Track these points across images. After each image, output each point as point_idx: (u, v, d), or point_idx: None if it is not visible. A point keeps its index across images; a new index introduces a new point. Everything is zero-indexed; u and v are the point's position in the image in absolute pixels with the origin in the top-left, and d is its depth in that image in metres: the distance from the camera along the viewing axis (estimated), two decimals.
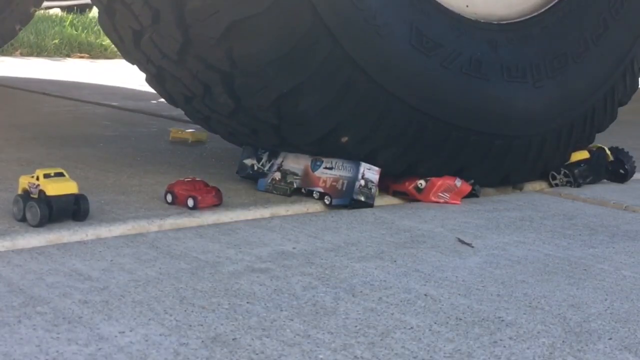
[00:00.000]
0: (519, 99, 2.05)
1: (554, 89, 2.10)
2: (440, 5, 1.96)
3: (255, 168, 2.04)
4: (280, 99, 1.85)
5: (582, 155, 2.28)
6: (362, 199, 1.87)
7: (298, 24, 1.78)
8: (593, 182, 2.29)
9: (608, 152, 2.34)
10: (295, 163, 1.97)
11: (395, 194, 2.01)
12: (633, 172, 2.37)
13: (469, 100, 1.98)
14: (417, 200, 1.99)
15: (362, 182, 1.87)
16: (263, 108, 1.88)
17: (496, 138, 2.05)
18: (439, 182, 1.99)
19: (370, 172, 1.88)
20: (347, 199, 1.87)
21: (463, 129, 1.98)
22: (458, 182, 2.00)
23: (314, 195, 1.91)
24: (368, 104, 1.87)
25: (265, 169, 2.02)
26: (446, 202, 1.98)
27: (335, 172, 1.89)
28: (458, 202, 2.00)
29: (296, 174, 1.94)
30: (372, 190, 1.88)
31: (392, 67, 1.87)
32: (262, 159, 2.04)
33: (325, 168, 1.91)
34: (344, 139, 1.90)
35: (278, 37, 1.79)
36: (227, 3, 1.78)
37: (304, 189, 1.93)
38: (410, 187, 1.99)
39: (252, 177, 2.04)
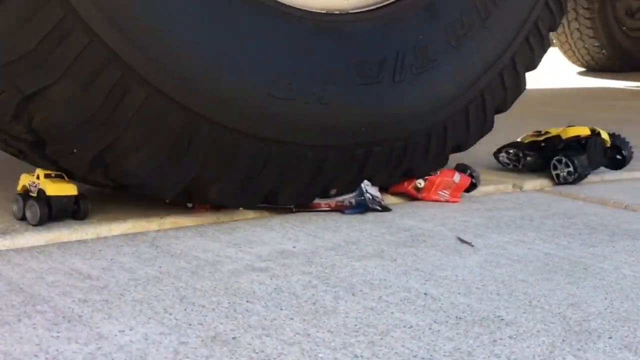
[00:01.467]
0: (412, 92, 1.84)
1: (449, 68, 1.90)
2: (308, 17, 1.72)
3: None
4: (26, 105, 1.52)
5: (582, 131, 2.26)
6: (379, 208, 1.86)
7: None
8: (593, 169, 2.27)
9: (607, 137, 2.30)
10: None
11: (395, 195, 2.01)
12: (631, 158, 2.34)
13: (367, 113, 1.80)
14: (417, 199, 1.99)
15: (369, 196, 1.86)
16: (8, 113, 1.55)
17: (395, 142, 1.87)
18: (437, 179, 1.98)
19: (371, 189, 1.87)
20: (361, 208, 1.85)
21: (365, 144, 1.82)
22: (456, 178, 2.00)
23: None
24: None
25: None
26: (447, 201, 1.98)
27: (338, 197, 1.85)
28: (458, 199, 2.00)
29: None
30: (382, 202, 1.88)
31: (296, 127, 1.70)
32: None
33: (324, 197, 1.85)
34: (333, 191, 1.83)
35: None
36: None
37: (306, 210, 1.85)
38: (409, 187, 1.99)
39: None
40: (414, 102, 1.86)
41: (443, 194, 1.99)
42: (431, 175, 1.99)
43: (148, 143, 1.58)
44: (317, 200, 1.84)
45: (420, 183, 1.98)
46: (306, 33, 1.72)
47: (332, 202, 1.85)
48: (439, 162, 2.01)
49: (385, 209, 1.87)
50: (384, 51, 1.80)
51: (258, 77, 1.64)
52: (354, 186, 1.86)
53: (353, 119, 1.78)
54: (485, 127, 2.07)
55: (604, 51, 6.76)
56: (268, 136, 1.68)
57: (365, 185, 1.87)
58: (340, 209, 1.85)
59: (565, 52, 7.06)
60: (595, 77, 6.78)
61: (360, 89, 1.77)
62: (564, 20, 6.67)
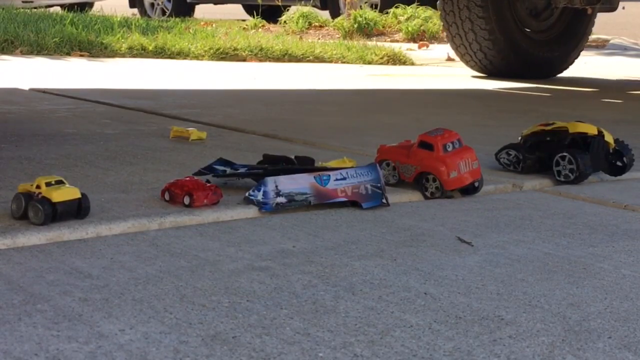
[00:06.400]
0: None
1: None
2: None
3: (227, 172, 2.00)
4: None
5: (590, 129, 2.24)
6: (384, 201, 1.87)
7: None
8: (593, 171, 2.25)
9: (611, 140, 2.26)
10: (294, 184, 1.83)
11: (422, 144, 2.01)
12: (631, 165, 2.29)
13: None
14: (423, 199, 1.99)
15: (384, 181, 1.89)
16: None
17: None
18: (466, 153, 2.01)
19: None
20: (378, 200, 1.87)
21: None
22: (475, 164, 2.01)
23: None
24: None
25: (239, 172, 1.97)
26: (446, 181, 1.97)
27: (352, 180, 1.86)
28: (452, 187, 1.99)
29: (305, 193, 1.83)
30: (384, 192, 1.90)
31: None
32: (238, 169, 2.01)
33: (337, 180, 1.86)
34: None
35: None
36: None
37: (325, 202, 1.85)
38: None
39: (219, 175, 2.00)
40: None
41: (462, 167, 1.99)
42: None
43: None
44: (332, 187, 1.84)
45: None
46: None
47: (349, 188, 1.85)
48: None
49: (387, 202, 1.88)
50: None
51: None
52: None
53: None
54: None
55: (502, 55, 5.73)
56: None
57: (379, 168, 1.90)
58: (357, 198, 1.85)
59: (462, 57, 5.96)
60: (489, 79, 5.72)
61: None
62: (458, 21, 5.72)
